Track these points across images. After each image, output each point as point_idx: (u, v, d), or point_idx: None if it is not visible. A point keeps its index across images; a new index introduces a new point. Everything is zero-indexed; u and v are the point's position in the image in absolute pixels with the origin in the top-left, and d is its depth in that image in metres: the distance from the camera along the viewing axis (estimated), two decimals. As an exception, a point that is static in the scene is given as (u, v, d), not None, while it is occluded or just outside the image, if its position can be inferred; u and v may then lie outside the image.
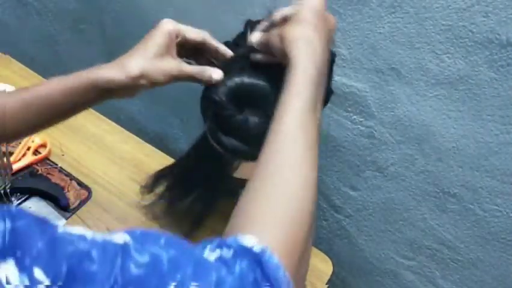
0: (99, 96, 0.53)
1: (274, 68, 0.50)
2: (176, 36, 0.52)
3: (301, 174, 0.39)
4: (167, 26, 0.52)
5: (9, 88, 0.90)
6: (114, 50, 1.03)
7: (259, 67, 0.51)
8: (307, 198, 0.39)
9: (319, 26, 0.47)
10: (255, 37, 0.51)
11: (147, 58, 0.51)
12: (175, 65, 0.52)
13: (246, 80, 0.51)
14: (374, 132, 0.72)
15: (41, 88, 0.53)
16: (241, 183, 0.69)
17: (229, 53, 0.53)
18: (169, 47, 0.52)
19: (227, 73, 0.52)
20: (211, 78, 0.52)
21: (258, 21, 0.54)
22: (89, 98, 0.52)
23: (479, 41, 0.55)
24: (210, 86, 0.53)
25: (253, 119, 0.51)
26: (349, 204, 0.86)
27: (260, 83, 0.51)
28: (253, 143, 0.52)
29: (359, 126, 0.73)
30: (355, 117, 0.73)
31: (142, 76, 0.51)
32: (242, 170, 0.66)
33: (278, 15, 0.50)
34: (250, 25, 0.54)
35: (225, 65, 0.54)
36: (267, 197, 0.38)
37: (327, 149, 0.80)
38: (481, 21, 0.54)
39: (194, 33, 0.53)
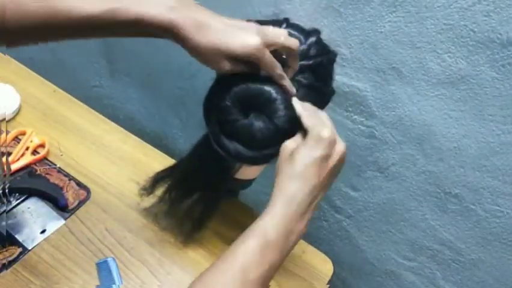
0: (144, 35, 0.49)
1: None
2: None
3: None
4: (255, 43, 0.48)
5: (9, 88, 0.90)
6: (112, 49, 1.02)
7: (263, 72, 0.51)
8: None
9: (318, 186, 0.47)
10: (297, 105, 0.51)
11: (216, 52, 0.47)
12: (228, 70, 0.49)
13: (251, 85, 0.51)
14: (375, 132, 0.72)
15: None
16: (241, 184, 0.69)
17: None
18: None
19: (232, 78, 0.51)
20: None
21: (258, 22, 0.54)
22: (130, 33, 0.49)
23: (480, 40, 0.55)
24: (213, 90, 0.53)
25: (258, 124, 0.51)
26: (350, 204, 0.85)
27: (265, 88, 0.51)
28: (257, 148, 0.52)
29: (360, 126, 0.73)
30: (356, 117, 0.72)
31: (200, 55, 0.48)
32: (243, 171, 0.66)
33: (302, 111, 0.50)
34: None
35: None
36: None
37: (328, 149, 0.80)
38: (483, 20, 0.53)
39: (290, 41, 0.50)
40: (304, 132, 0.50)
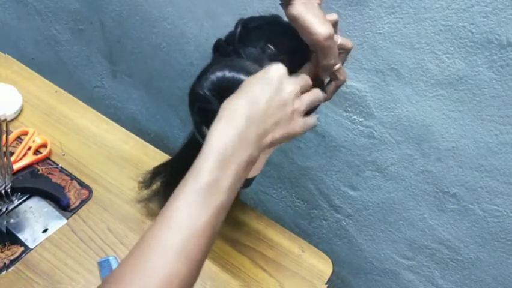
0: None
1: (255, 66, 0.51)
2: None
3: (165, 265, 0.37)
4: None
5: (11, 88, 0.90)
6: (114, 50, 1.03)
7: (242, 62, 0.52)
8: None
9: (257, 103, 0.43)
10: None
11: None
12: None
13: (228, 74, 0.52)
14: (374, 132, 0.72)
15: None
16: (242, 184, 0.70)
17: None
18: None
19: (211, 68, 0.53)
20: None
21: (250, 19, 0.56)
22: None
23: (478, 41, 0.55)
24: (195, 81, 0.54)
25: None
26: (349, 204, 0.86)
27: (241, 77, 0.51)
28: None
29: (359, 126, 0.73)
30: (355, 117, 0.73)
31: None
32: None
33: None
34: (241, 24, 0.55)
35: (213, 62, 0.55)
36: (130, 276, 0.37)
37: (327, 149, 0.80)
38: (481, 21, 0.54)
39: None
40: None
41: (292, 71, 0.54)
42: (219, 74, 0.52)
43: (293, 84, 0.46)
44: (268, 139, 0.44)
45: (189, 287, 0.39)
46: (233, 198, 0.42)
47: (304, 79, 0.48)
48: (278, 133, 0.45)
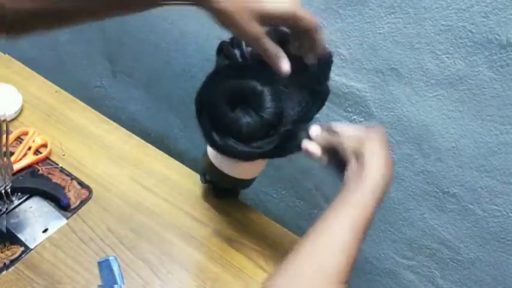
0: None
1: (264, 70, 0.51)
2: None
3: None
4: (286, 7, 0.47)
5: (11, 88, 0.90)
6: (114, 50, 1.03)
7: (251, 68, 0.53)
8: None
9: (388, 165, 0.51)
10: (315, 131, 0.55)
11: (244, 9, 0.46)
12: (259, 33, 0.47)
13: (238, 80, 0.52)
14: (374, 132, 0.72)
15: None
16: (241, 183, 0.70)
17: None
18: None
19: (219, 74, 0.53)
20: (280, 68, 0.49)
21: None
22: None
23: (478, 41, 0.55)
24: (203, 87, 0.54)
25: (245, 117, 0.52)
26: (349, 204, 0.86)
27: (250, 82, 0.52)
28: (245, 141, 0.53)
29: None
30: (355, 117, 0.73)
31: (224, 14, 0.46)
32: (243, 170, 0.67)
33: (337, 127, 0.54)
34: None
35: (221, 67, 0.55)
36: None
37: (327, 149, 0.80)
38: (481, 21, 0.54)
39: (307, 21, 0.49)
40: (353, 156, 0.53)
41: (299, 72, 0.54)
42: (229, 81, 0.53)
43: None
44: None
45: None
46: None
47: None
48: None
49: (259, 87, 0.52)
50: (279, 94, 0.53)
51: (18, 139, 0.83)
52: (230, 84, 0.52)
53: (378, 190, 0.49)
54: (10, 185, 0.71)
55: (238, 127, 0.52)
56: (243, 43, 0.55)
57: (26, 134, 0.84)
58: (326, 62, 0.60)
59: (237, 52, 0.54)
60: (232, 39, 0.56)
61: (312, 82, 0.56)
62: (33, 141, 0.82)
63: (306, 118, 0.57)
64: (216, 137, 0.54)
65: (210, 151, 0.69)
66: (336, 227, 0.48)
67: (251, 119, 0.52)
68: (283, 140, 0.54)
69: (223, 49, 0.56)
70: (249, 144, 0.53)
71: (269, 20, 0.47)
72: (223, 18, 0.47)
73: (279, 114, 0.52)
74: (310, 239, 0.48)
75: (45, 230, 0.71)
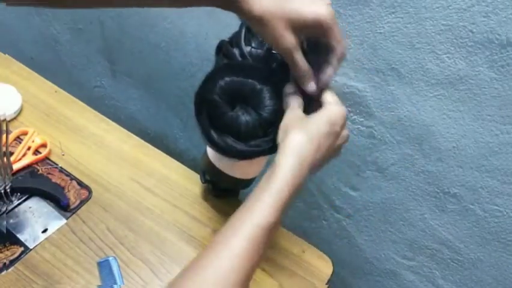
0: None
1: (263, 69, 0.51)
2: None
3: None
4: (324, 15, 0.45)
5: (10, 88, 0.90)
6: (114, 50, 1.03)
7: (250, 67, 0.53)
8: None
9: (323, 146, 0.46)
10: (289, 88, 0.51)
11: (280, 15, 0.45)
12: (293, 45, 0.47)
13: (236, 78, 0.52)
14: (374, 132, 0.72)
15: None
16: (241, 183, 0.70)
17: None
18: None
19: (218, 72, 0.53)
20: (306, 88, 0.50)
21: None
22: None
23: (479, 41, 0.55)
24: (202, 86, 0.55)
25: (244, 115, 0.52)
26: (349, 204, 0.86)
27: (249, 81, 0.52)
28: (243, 140, 0.53)
29: (359, 126, 0.73)
30: (355, 117, 0.73)
31: (260, 21, 0.45)
32: (243, 170, 0.66)
33: (312, 88, 0.50)
34: (246, 24, 0.55)
35: (220, 65, 0.55)
36: None
37: (327, 149, 0.80)
38: (481, 21, 0.54)
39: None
40: (315, 104, 0.50)
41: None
42: (227, 78, 0.52)
43: (347, 134, 0.51)
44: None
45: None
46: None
47: None
48: (327, 161, 0.50)
49: (258, 85, 0.52)
50: (278, 93, 0.52)
51: (18, 139, 0.83)
52: (229, 82, 0.52)
53: (284, 194, 0.44)
54: (10, 185, 0.71)
55: (237, 125, 0.52)
56: (242, 42, 0.55)
57: (25, 134, 0.84)
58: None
59: (236, 51, 0.54)
60: (231, 38, 0.56)
61: None
62: (33, 141, 0.82)
63: None
64: (214, 135, 0.54)
65: (210, 151, 0.69)
66: (234, 241, 0.42)
67: (250, 117, 0.52)
68: None
69: (222, 48, 0.56)
70: (248, 143, 0.53)
71: (303, 28, 0.46)
72: (257, 25, 0.46)
73: (278, 112, 0.52)
74: (213, 248, 0.42)
75: (44, 230, 0.71)
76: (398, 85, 0.65)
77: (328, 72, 0.49)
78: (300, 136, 0.46)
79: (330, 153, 0.48)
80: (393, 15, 0.59)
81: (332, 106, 0.49)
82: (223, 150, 0.55)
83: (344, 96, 0.71)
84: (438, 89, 0.62)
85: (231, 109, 0.53)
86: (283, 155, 0.45)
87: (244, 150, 0.54)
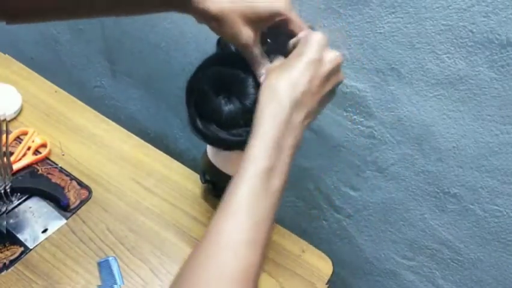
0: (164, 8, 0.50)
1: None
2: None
3: (238, 257, 0.37)
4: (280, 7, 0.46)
5: (10, 88, 0.90)
6: (114, 50, 1.03)
7: (236, 57, 0.53)
8: (243, 280, 0.36)
9: (303, 77, 0.43)
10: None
11: (236, 11, 0.45)
12: (250, 40, 0.47)
13: (223, 68, 0.53)
14: (374, 132, 0.72)
15: None
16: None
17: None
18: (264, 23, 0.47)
19: (208, 62, 0.54)
20: (259, 74, 0.50)
21: None
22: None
23: (479, 41, 0.55)
24: (193, 75, 0.56)
25: (227, 105, 0.53)
26: (349, 204, 0.86)
27: (234, 70, 0.52)
28: (226, 128, 0.53)
29: (359, 126, 0.73)
30: (355, 117, 0.73)
31: (217, 20, 0.45)
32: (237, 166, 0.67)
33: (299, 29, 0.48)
34: None
35: (210, 55, 0.57)
36: (198, 278, 0.36)
37: (327, 149, 0.80)
38: (481, 21, 0.54)
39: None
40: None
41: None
42: (215, 68, 0.54)
43: (334, 55, 0.46)
44: (311, 119, 0.45)
45: (260, 271, 0.39)
46: (286, 182, 0.43)
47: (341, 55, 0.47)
48: (320, 110, 0.46)
49: (242, 74, 0.52)
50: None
51: (18, 139, 0.83)
52: (214, 71, 0.53)
53: (270, 134, 0.41)
54: (10, 185, 0.71)
55: (219, 113, 0.53)
56: None
57: (25, 134, 0.84)
58: None
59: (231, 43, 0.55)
60: None
61: None
62: (33, 141, 0.82)
63: None
64: (199, 123, 0.55)
65: (210, 150, 0.69)
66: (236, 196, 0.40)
67: (233, 105, 0.53)
68: None
69: (221, 40, 0.58)
70: (230, 132, 0.54)
71: (260, 22, 0.47)
72: (214, 24, 0.46)
73: None
74: (208, 239, 0.39)
75: (44, 230, 0.71)
76: (398, 85, 0.65)
77: None
78: (274, 75, 0.44)
79: (319, 86, 0.44)
80: (393, 15, 0.59)
81: (302, 36, 0.47)
82: (207, 139, 0.55)
83: (344, 96, 0.71)
84: (438, 89, 0.62)
85: (215, 96, 0.54)
86: (259, 100, 0.44)
87: (226, 139, 0.54)
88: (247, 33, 0.47)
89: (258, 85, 0.52)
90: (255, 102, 0.52)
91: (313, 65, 0.44)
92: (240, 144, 0.55)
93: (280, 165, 0.41)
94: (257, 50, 0.49)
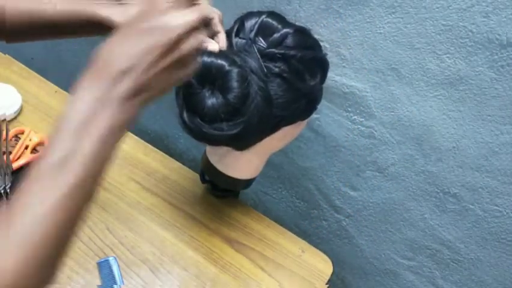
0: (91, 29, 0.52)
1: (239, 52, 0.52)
2: None
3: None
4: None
5: (10, 88, 0.90)
6: (114, 50, 1.03)
7: (225, 50, 0.53)
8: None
9: (128, 35, 0.39)
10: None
11: None
12: None
13: (206, 59, 0.52)
14: (374, 132, 0.72)
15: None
16: (240, 183, 0.70)
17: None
18: None
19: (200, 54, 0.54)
20: (206, 47, 0.50)
21: (248, 14, 0.58)
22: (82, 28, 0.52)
23: (479, 41, 0.55)
24: None
25: (210, 98, 0.53)
26: (349, 204, 0.86)
27: (218, 61, 0.52)
28: (208, 121, 0.53)
29: (359, 126, 0.73)
30: (355, 117, 0.73)
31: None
32: (239, 169, 0.66)
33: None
34: (240, 19, 0.58)
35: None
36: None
37: (327, 149, 0.80)
38: (481, 21, 0.54)
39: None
40: None
41: (283, 69, 0.54)
42: (198, 59, 0.53)
43: (183, 19, 0.38)
44: (147, 96, 0.39)
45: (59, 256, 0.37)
46: (103, 167, 0.37)
47: (202, 10, 0.40)
48: (164, 85, 0.39)
49: (227, 67, 0.52)
50: (247, 78, 0.52)
51: (15, 138, 0.83)
52: (201, 61, 0.52)
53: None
54: (9, 185, 0.71)
55: (202, 106, 0.53)
56: (232, 34, 0.56)
57: (22, 133, 0.84)
58: (309, 58, 0.58)
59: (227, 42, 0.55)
60: (227, 31, 0.57)
61: (291, 75, 0.55)
62: (30, 139, 0.82)
63: (282, 115, 0.56)
64: (185, 116, 0.54)
65: (209, 151, 0.69)
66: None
67: (215, 98, 0.52)
68: (247, 129, 0.54)
69: None
70: (212, 125, 0.53)
71: None
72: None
73: (243, 98, 0.52)
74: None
75: (44, 230, 0.71)
76: (398, 85, 0.65)
77: (221, 37, 0.52)
78: (109, 40, 0.41)
79: (157, 57, 0.37)
80: (393, 16, 0.59)
81: None
82: (191, 131, 0.55)
83: (344, 96, 0.71)
84: (438, 89, 0.62)
85: (200, 88, 0.54)
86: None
87: (207, 132, 0.54)
88: None
89: (243, 79, 0.52)
90: (237, 97, 0.52)
91: (153, 33, 0.38)
92: (221, 139, 0.55)
93: (83, 152, 0.35)
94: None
